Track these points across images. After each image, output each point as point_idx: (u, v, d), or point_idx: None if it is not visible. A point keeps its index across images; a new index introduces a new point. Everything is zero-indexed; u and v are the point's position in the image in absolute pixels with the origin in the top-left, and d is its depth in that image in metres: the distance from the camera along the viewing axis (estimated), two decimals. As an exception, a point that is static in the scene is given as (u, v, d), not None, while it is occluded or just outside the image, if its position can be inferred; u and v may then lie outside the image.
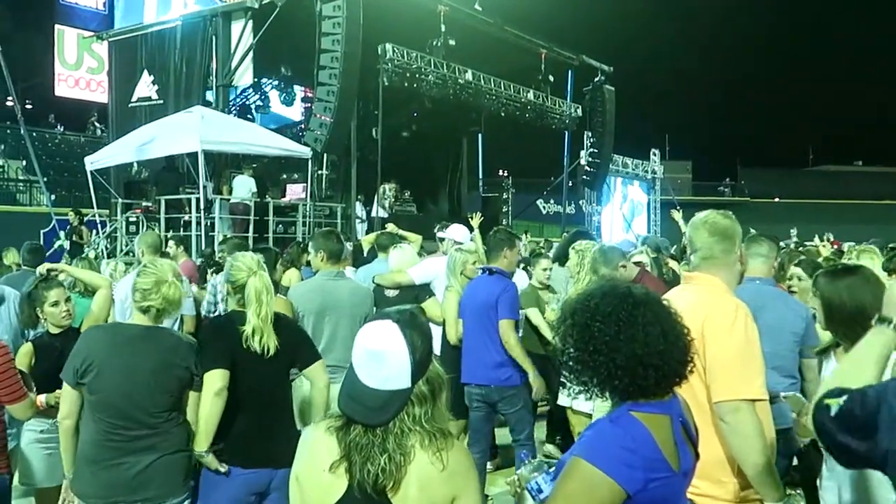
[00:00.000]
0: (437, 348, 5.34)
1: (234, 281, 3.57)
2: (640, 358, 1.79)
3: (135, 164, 15.38)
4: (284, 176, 15.97)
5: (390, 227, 9.13)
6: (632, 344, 1.79)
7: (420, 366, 1.87)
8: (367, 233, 13.19)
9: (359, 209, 16.55)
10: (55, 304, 4.11)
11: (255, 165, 14.67)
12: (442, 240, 7.29)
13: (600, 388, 1.85)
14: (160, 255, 6.20)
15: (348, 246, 6.89)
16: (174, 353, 3.34)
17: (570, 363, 1.88)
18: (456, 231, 7.07)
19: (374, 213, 16.42)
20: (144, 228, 13.02)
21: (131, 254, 12.51)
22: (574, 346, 1.86)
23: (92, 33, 24.28)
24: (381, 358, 1.83)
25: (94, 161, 13.56)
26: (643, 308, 1.84)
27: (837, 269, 3.13)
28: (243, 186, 13.61)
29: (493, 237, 5.50)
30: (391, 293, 5.78)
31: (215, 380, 3.34)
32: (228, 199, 13.47)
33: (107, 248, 14.04)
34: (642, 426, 1.79)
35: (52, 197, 18.88)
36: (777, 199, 40.55)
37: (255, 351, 3.43)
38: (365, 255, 8.43)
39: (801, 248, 8.72)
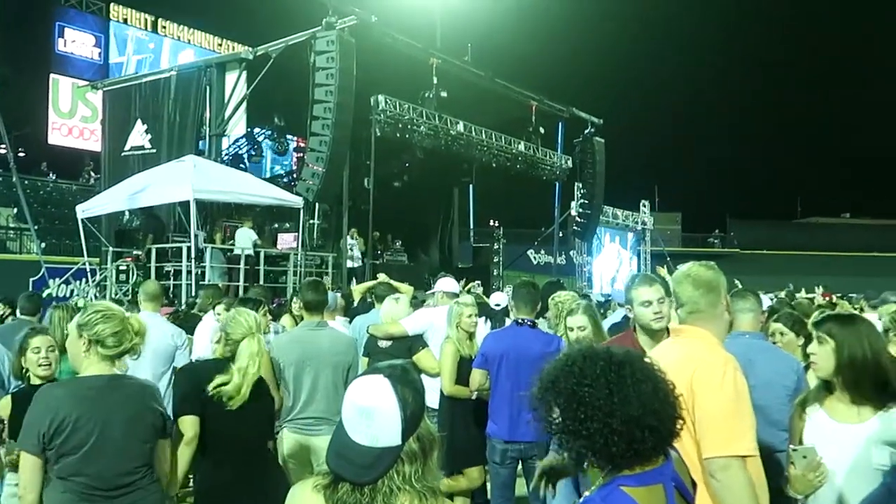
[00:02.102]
0: (434, 401, 5.31)
1: (229, 333, 3.63)
2: (637, 419, 1.69)
3: (126, 213, 15.38)
4: (276, 225, 15.99)
5: (382, 276, 9.10)
6: (626, 406, 1.70)
7: (411, 423, 1.81)
8: (351, 282, 13.18)
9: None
10: (36, 350, 4.00)
11: (249, 216, 14.71)
12: (433, 294, 7.28)
13: (596, 458, 1.74)
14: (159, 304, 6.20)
15: (334, 296, 6.90)
16: (143, 398, 3.23)
17: (560, 434, 1.77)
18: (446, 283, 7.05)
19: (346, 265, 16.12)
20: (134, 277, 12.98)
21: (121, 303, 12.43)
22: (562, 415, 1.75)
23: (87, 82, 24.48)
24: (371, 414, 1.78)
25: (86, 209, 13.56)
26: (629, 367, 1.76)
27: (849, 315, 3.12)
28: (245, 238, 13.65)
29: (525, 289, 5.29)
30: (384, 343, 5.75)
31: (186, 427, 3.46)
32: (220, 248, 13.47)
33: (96, 297, 13.94)
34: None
35: (42, 245, 18.81)
36: (766, 251, 40.74)
37: (230, 405, 3.50)
38: (355, 305, 8.39)
39: (792, 302, 8.68)
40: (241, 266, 12.91)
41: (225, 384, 3.49)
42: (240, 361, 3.54)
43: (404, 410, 1.79)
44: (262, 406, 3.72)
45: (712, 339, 2.81)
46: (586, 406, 1.72)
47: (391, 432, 1.79)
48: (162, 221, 14.31)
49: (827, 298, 11.92)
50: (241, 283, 12.52)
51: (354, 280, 14.65)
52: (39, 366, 3.99)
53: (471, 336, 5.51)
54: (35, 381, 4.01)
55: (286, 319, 7.13)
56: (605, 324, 7.63)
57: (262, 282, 12.92)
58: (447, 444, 4.98)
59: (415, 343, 5.74)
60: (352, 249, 16.42)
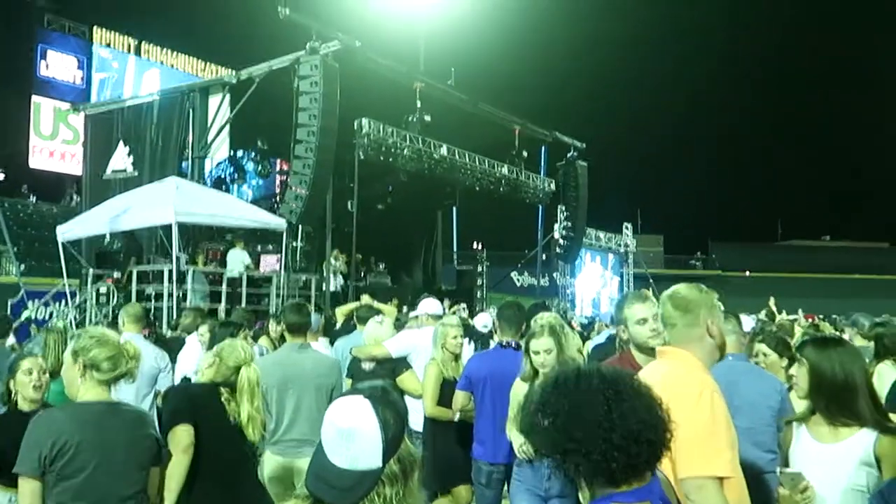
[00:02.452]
0: (418, 423, 5.28)
1: (223, 359, 3.76)
2: (636, 434, 1.69)
3: (107, 235, 15.28)
4: (259, 247, 15.94)
5: (365, 298, 9.08)
6: (626, 420, 1.69)
7: (392, 444, 1.78)
8: (338, 304, 13.13)
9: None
10: (28, 372, 3.89)
11: (241, 238, 14.68)
12: (416, 317, 7.24)
13: (592, 475, 1.73)
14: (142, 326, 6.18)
15: (317, 318, 6.86)
16: (141, 425, 3.28)
17: (554, 454, 1.75)
18: (428, 304, 7.01)
19: (329, 287, 16.10)
20: (115, 299, 12.87)
21: (101, 325, 12.32)
22: (557, 434, 1.73)
23: (69, 105, 24.38)
24: (351, 436, 1.75)
25: (66, 231, 13.43)
26: (621, 383, 1.76)
27: (825, 338, 3.14)
28: (237, 260, 13.58)
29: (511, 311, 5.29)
30: (368, 366, 5.71)
31: (182, 436, 3.52)
32: (203, 271, 13.41)
33: (76, 319, 13.80)
34: None
35: (22, 267, 18.63)
36: (748, 273, 41.00)
37: (229, 424, 3.62)
38: (337, 327, 8.35)
39: (774, 322, 8.74)
40: (224, 288, 12.84)
41: (245, 420, 3.68)
42: (246, 394, 3.68)
43: (385, 432, 1.76)
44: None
45: (694, 361, 2.74)
46: (584, 423, 1.71)
47: (372, 454, 1.75)
48: (142, 244, 14.24)
49: (809, 320, 12.00)
50: (223, 305, 12.44)
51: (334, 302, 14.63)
52: (32, 386, 3.87)
53: (456, 357, 5.49)
54: (23, 404, 3.88)
55: (264, 341, 7.09)
56: (589, 345, 7.66)
57: (244, 304, 12.87)
58: (433, 465, 4.97)
59: (399, 365, 5.71)
60: (335, 272, 16.38)
